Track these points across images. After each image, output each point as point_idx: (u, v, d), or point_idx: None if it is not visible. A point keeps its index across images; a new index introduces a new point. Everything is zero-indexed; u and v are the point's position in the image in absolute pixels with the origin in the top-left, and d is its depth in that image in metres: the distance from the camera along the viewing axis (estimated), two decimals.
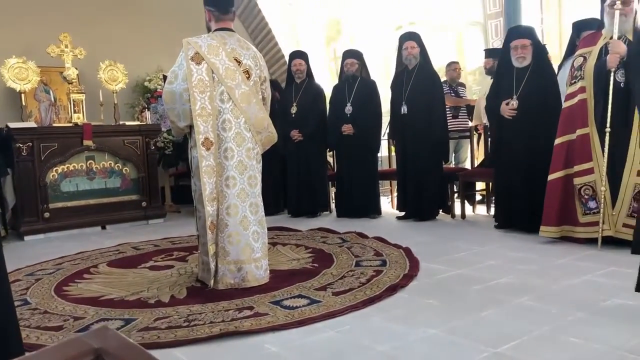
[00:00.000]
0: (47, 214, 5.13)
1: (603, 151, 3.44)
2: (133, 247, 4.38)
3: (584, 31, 4.16)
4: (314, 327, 2.33)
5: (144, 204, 5.72)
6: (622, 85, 3.40)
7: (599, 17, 4.08)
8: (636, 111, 3.34)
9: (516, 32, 4.28)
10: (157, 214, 5.82)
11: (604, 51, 3.49)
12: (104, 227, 5.50)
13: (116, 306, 2.76)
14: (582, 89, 3.58)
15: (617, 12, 3.36)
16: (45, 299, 2.97)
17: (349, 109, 5.38)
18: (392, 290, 2.77)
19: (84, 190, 5.42)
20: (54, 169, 5.22)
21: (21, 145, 4.99)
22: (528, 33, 4.22)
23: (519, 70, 4.16)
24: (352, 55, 5.52)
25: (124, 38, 6.58)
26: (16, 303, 2.80)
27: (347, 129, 5.33)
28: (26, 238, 5.02)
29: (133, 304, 2.78)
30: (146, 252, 4.16)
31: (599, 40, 3.58)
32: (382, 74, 6.98)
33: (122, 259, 3.96)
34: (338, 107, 5.48)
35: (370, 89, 5.42)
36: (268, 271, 3.09)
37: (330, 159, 6.22)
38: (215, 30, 3.07)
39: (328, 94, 5.86)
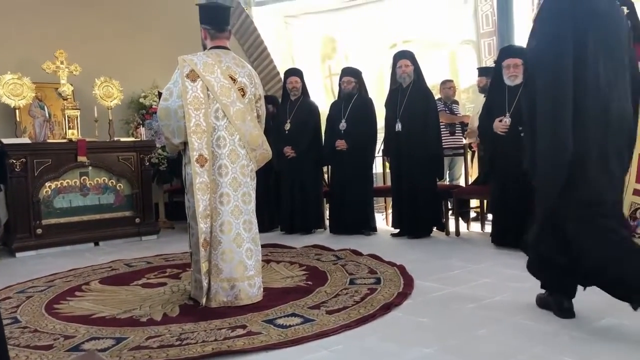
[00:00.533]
0: (39, 230, 5.09)
1: None
2: (126, 264, 4.34)
3: None
4: (308, 347, 2.30)
5: (137, 220, 5.69)
6: None
7: None
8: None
9: (508, 51, 4.35)
10: (150, 231, 5.79)
11: None
12: (97, 244, 5.45)
13: (107, 324, 2.73)
14: None
15: None
16: (35, 317, 2.93)
17: (342, 125, 5.41)
18: (386, 308, 2.75)
19: (77, 207, 5.38)
20: (47, 184, 5.19)
21: (14, 161, 4.96)
22: (520, 52, 4.27)
23: (511, 88, 4.21)
24: (349, 73, 5.56)
25: (120, 55, 6.60)
26: (6, 321, 2.77)
27: (341, 144, 5.36)
28: (18, 254, 4.97)
29: (125, 323, 2.75)
30: (139, 269, 4.13)
31: None
32: (377, 91, 7.03)
33: (115, 276, 3.92)
34: (333, 123, 5.52)
35: (366, 106, 5.45)
36: (262, 289, 3.07)
37: (325, 176, 6.23)
38: (211, 48, 3.10)
39: (322, 111, 5.89)
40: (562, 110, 2.28)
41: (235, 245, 2.95)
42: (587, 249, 2.35)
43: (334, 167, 5.68)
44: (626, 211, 3.41)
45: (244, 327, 2.56)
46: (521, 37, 6.61)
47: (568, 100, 2.27)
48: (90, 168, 5.43)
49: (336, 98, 5.93)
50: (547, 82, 2.34)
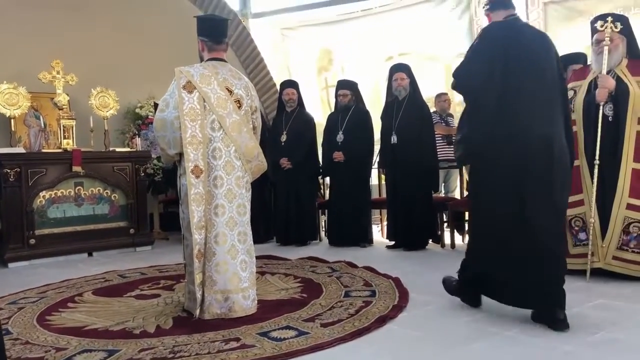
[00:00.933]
0: (32, 241, 5.05)
1: (592, 183, 3.48)
2: (119, 275, 4.31)
3: (571, 65, 4.25)
4: None
5: (132, 230, 5.66)
6: (610, 119, 3.46)
7: (584, 51, 4.18)
8: (625, 145, 3.41)
9: None
10: (145, 241, 5.76)
11: (593, 85, 3.57)
12: (90, 254, 5.42)
13: (100, 336, 2.70)
14: (573, 122, 3.64)
15: (605, 49, 3.45)
16: (27, 328, 2.90)
17: (340, 137, 5.42)
18: (381, 321, 2.74)
19: (71, 217, 5.35)
20: (42, 194, 5.16)
21: (9, 171, 4.94)
22: None
23: None
24: (345, 86, 5.58)
25: (116, 65, 6.60)
26: None
27: (338, 156, 5.37)
28: (10, 265, 4.92)
29: (117, 335, 2.73)
30: (133, 280, 4.10)
31: (589, 74, 3.66)
32: (373, 103, 7.04)
33: (108, 287, 3.89)
34: (331, 135, 5.54)
35: (362, 118, 5.47)
36: (256, 301, 3.05)
37: (321, 187, 6.23)
38: (208, 60, 3.11)
39: (318, 122, 5.90)
40: (478, 118, 2.79)
41: (230, 257, 2.94)
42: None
43: (331, 178, 5.69)
44: (619, 225, 3.42)
45: (237, 339, 2.54)
46: None
47: (488, 110, 2.71)
48: (85, 178, 5.41)
49: (332, 110, 5.95)
50: (473, 98, 2.86)
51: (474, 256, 2.90)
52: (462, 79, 2.91)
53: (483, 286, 2.84)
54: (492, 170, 2.71)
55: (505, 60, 2.68)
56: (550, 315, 2.55)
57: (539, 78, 2.69)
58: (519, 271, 2.61)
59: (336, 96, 5.64)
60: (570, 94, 3.71)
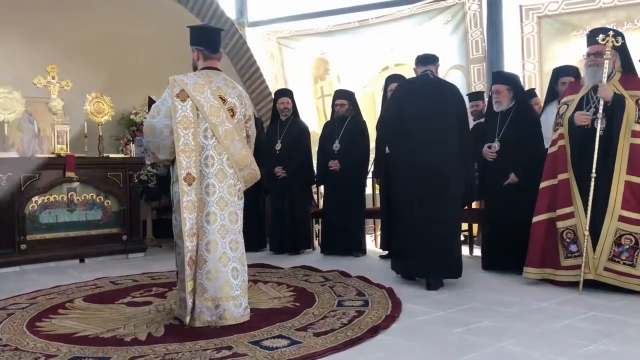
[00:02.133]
0: (23, 246, 5.01)
1: (583, 196, 3.50)
2: (111, 281, 4.28)
3: (562, 77, 4.29)
4: None
5: (124, 237, 5.62)
6: (601, 132, 3.49)
7: (576, 64, 4.22)
8: (617, 157, 3.44)
9: (494, 77, 4.51)
10: (137, 248, 5.73)
11: (585, 100, 3.61)
12: (82, 261, 5.38)
13: (91, 344, 2.68)
14: (562, 136, 3.68)
15: (606, 62, 3.48)
16: (16, 335, 2.88)
17: (336, 145, 5.42)
18: (373, 332, 2.73)
19: (63, 222, 5.31)
20: (34, 199, 5.12)
21: (1, 176, 4.91)
22: (502, 78, 4.39)
23: (501, 113, 4.28)
24: (342, 96, 5.59)
25: (112, 71, 6.59)
26: None
27: (333, 164, 5.36)
28: (0, 270, 4.88)
29: (108, 342, 2.70)
30: (124, 287, 4.07)
31: (582, 89, 3.70)
32: (368, 113, 7.07)
33: (99, 294, 3.87)
34: (326, 143, 5.54)
35: (359, 128, 5.47)
36: (248, 309, 3.04)
37: (315, 196, 6.23)
38: (202, 69, 3.12)
39: (313, 131, 5.90)
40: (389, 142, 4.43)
41: (221, 265, 2.93)
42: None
43: (326, 187, 5.69)
44: (611, 237, 3.44)
45: (229, 348, 2.53)
46: (510, 63, 6.72)
47: (392, 140, 4.12)
48: (78, 184, 5.39)
49: (328, 119, 5.97)
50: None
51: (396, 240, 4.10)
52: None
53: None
54: (402, 184, 3.85)
55: (404, 110, 3.80)
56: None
57: (430, 122, 3.72)
58: (425, 250, 3.69)
59: (333, 105, 5.65)
60: (564, 108, 3.76)
